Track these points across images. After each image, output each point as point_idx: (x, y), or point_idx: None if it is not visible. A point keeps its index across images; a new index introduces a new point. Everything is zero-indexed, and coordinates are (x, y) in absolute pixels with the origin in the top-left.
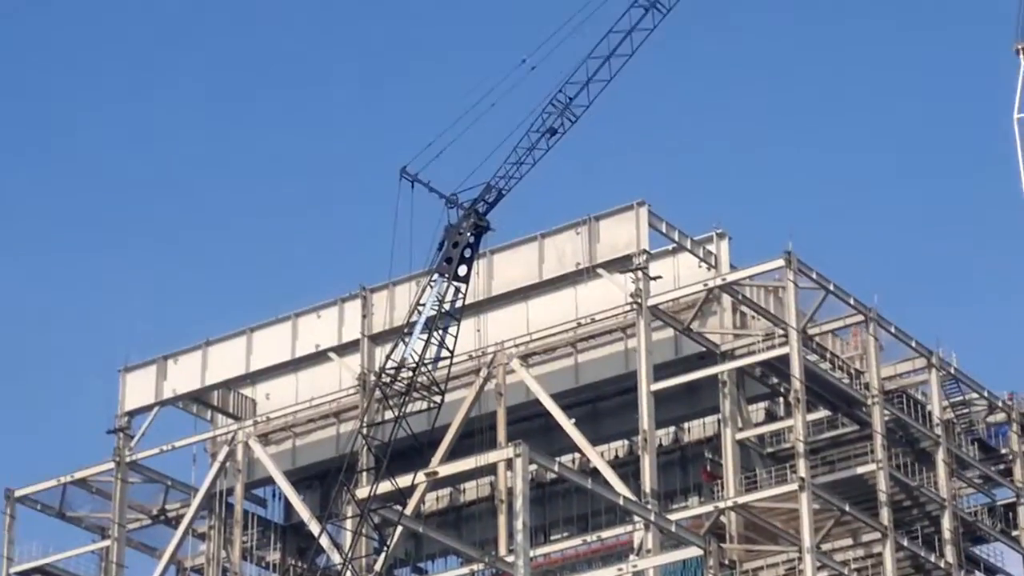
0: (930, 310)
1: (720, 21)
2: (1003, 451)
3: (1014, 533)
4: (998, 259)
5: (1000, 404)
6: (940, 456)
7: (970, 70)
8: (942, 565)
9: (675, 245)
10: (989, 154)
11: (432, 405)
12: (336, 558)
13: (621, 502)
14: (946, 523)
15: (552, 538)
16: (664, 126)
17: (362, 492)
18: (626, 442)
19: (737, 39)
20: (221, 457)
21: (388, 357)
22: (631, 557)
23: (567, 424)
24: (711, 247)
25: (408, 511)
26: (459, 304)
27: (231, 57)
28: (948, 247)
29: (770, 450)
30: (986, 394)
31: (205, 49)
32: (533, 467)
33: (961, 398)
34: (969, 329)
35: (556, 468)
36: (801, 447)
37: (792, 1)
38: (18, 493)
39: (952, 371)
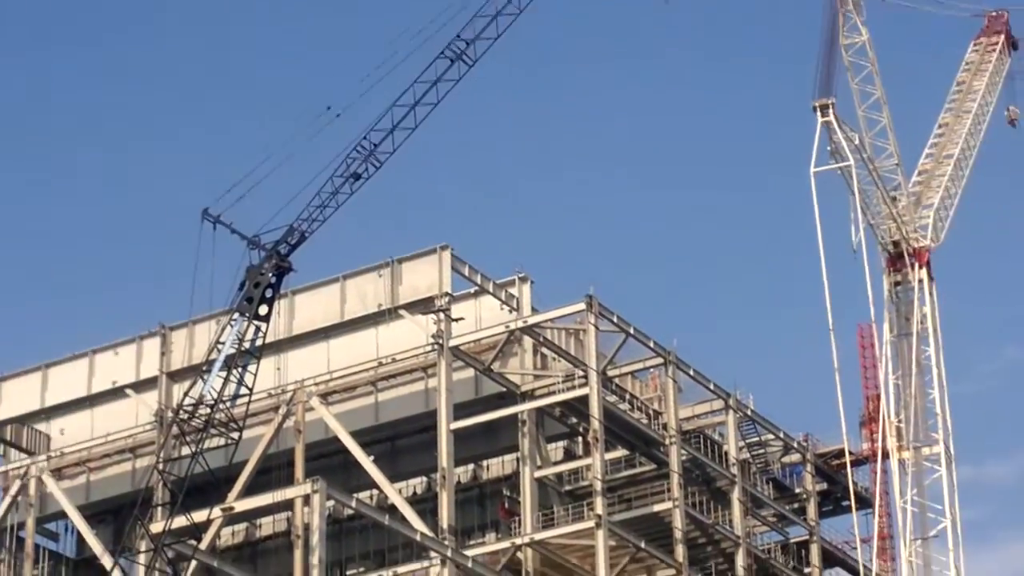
0: (728, 353)
1: (525, 70)
2: (797, 490)
3: (806, 570)
4: (794, 305)
5: (795, 445)
6: (735, 495)
7: (771, 124)
8: None
9: (477, 288)
10: (788, 205)
11: (229, 441)
12: None
13: (418, 538)
14: (740, 560)
15: (348, 573)
16: (469, 171)
17: (156, 527)
18: (425, 479)
19: (541, 88)
20: (13, 491)
21: (186, 394)
22: None
23: (365, 461)
24: (513, 290)
25: (203, 546)
26: (259, 342)
27: (24, 92)
28: (747, 292)
29: (568, 488)
30: (781, 435)
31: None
32: (330, 503)
33: (757, 439)
34: (766, 372)
35: (353, 504)
36: (599, 485)
37: (596, 53)
38: None
39: (748, 412)
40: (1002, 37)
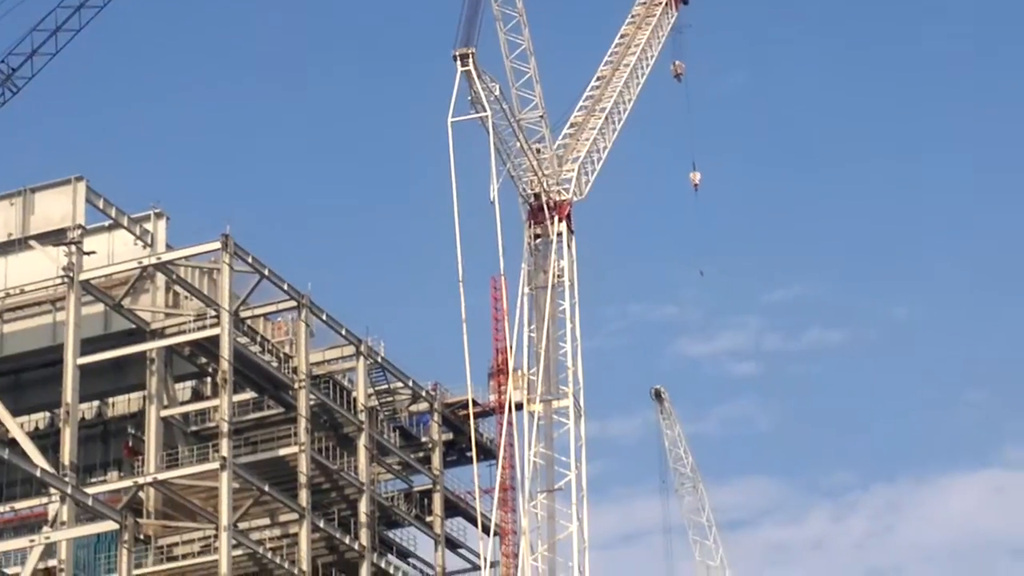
0: (362, 300)
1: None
2: (423, 439)
3: (428, 519)
4: (433, 254)
5: (424, 394)
6: (362, 442)
7: (418, 72)
8: (356, 547)
9: (111, 221)
10: (432, 154)
11: None
12: None
13: (38, 474)
14: (363, 507)
15: None
16: (109, 103)
17: None
18: (48, 414)
19: (188, 20)
20: None
21: None
22: (44, 528)
23: None
24: (148, 226)
25: None
26: None
27: None
28: (386, 239)
29: (194, 429)
30: (411, 383)
31: None
32: None
33: (386, 386)
34: (401, 320)
35: None
36: (225, 427)
37: None
38: None
39: (379, 360)
40: None
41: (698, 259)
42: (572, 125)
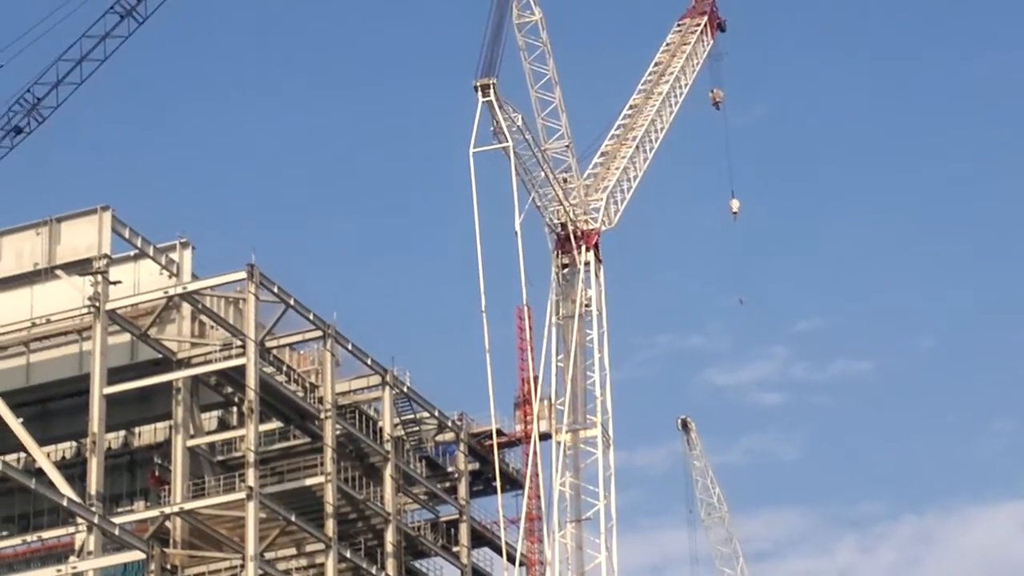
0: (388, 329)
1: (195, 31)
2: (450, 469)
3: (455, 549)
4: (461, 283)
5: (450, 424)
6: (388, 471)
7: (446, 101)
8: None
9: (137, 251)
10: (458, 184)
11: None
12: None
13: (65, 503)
14: (389, 537)
15: None
16: (134, 133)
17: None
18: (75, 444)
19: (212, 51)
20: None
21: None
22: (71, 558)
23: (14, 423)
24: (174, 255)
25: None
26: None
27: None
28: (412, 269)
29: (220, 458)
30: (437, 413)
31: None
32: None
33: (412, 416)
34: (426, 350)
35: None
36: (251, 456)
37: (268, 20)
38: None
39: (405, 389)
40: (705, 18)
41: (736, 287)
42: (602, 154)
